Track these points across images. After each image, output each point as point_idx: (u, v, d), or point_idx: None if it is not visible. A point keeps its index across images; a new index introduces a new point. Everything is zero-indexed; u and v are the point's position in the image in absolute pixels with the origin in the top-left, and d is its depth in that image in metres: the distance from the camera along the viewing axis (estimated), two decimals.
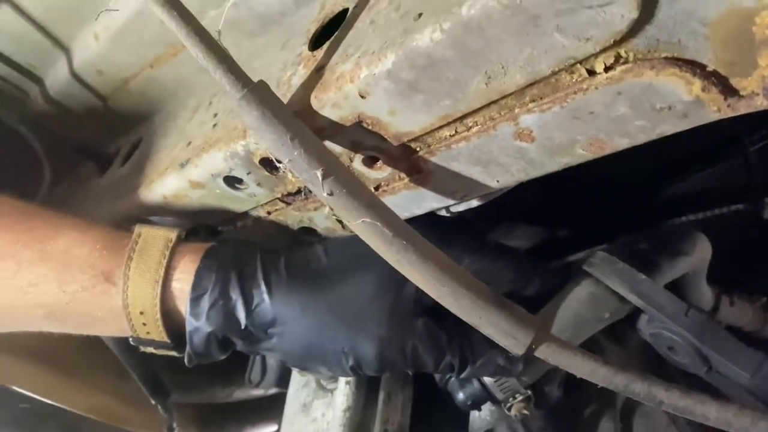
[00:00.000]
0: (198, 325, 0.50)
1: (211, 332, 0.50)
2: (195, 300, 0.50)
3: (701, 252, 0.63)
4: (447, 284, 0.42)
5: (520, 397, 0.53)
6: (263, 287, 0.50)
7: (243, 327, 0.50)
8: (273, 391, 1.10)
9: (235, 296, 0.50)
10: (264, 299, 0.50)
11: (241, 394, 1.06)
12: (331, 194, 0.41)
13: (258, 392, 1.08)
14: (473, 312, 0.42)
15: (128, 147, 0.76)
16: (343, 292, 0.51)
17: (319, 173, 0.40)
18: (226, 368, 0.99)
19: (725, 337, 0.49)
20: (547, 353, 0.42)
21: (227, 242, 0.55)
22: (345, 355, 0.50)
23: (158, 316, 0.51)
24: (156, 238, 0.53)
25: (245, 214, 0.58)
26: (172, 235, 0.53)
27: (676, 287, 0.61)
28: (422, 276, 0.42)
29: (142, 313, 0.51)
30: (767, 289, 0.94)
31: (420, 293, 0.50)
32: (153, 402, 0.85)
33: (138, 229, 0.54)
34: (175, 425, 0.89)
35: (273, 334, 0.51)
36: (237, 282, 0.50)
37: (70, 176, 0.89)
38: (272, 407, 1.14)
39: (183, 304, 0.51)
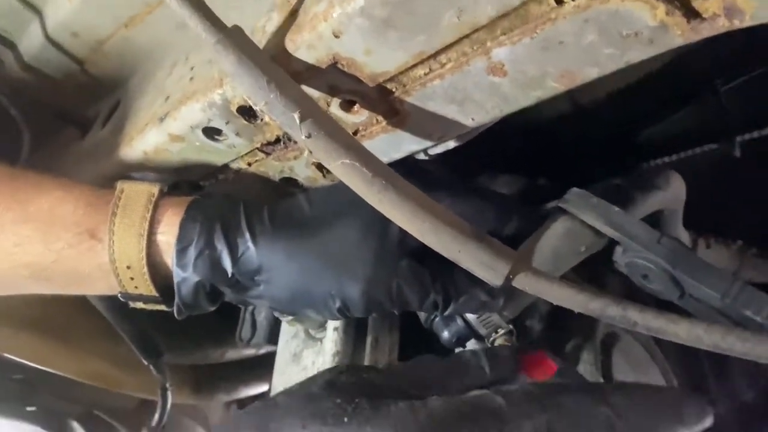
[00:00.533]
0: (185, 275, 0.51)
1: (198, 282, 0.51)
2: (181, 251, 0.51)
3: (675, 189, 0.64)
4: (427, 221, 0.43)
5: (503, 332, 0.55)
6: (247, 236, 0.51)
7: (230, 276, 0.51)
8: (264, 351, 1.12)
9: (221, 246, 0.51)
10: (249, 247, 0.51)
11: (233, 354, 1.07)
12: (309, 137, 0.41)
13: (250, 352, 1.10)
14: (452, 246, 0.43)
15: (107, 110, 0.76)
16: (327, 237, 0.52)
17: (296, 116, 0.41)
18: (217, 328, 1.01)
19: (696, 261, 0.51)
20: (524, 283, 0.44)
21: (210, 195, 0.55)
22: (332, 297, 0.51)
23: (145, 269, 0.52)
24: (139, 192, 0.53)
25: (226, 167, 0.59)
26: (155, 189, 0.53)
27: None
28: (402, 214, 0.43)
29: (129, 267, 0.52)
30: (742, 233, 0.96)
31: (403, 236, 0.52)
32: (145, 363, 0.86)
33: (120, 185, 0.54)
34: (168, 385, 0.90)
35: (260, 282, 0.52)
36: (221, 232, 0.51)
37: (50, 142, 0.88)
38: (264, 367, 1.16)
39: (169, 257, 0.51)
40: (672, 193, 0.64)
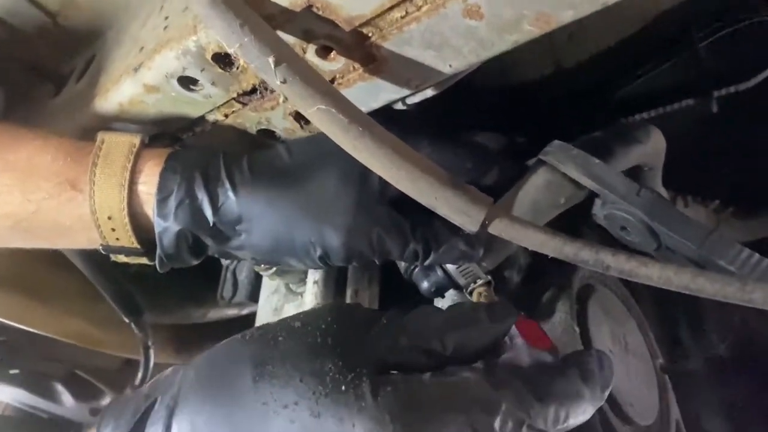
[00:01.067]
0: (166, 225, 0.51)
1: (180, 231, 0.51)
2: (162, 201, 0.50)
3: (655, 143, 0.65)
4: (403, 168, 0.43)
5: (481, 282, 0.56)
6: (227, 185, 0.50)
7: (211, 225, 0.51)
8: (247, 311, 1.12)
9: (201, 195, 0.50)
10: (229, 197, 0.50)
11: (215, 314, 1.08)
12: (284, 82, 0.41)
13: (233, 312, 1.10)
14: (429, 193, 0.44)
15: (82, 64, 0.74)
16: (307, 186, 0.51)
17: (270, 60, 0.40)
18: (199, 288, 1.01)
19: (674, 212, 0.52)
20: (499, 228, 0.44)
21: (190, 147, 0.55)
22: (313, 245, 0.51)
23: (126, 220, 0.51)
24: (119, 143, 0.52)
25: (202, 119, 0.58)
26: (136, 140, 0.53)
27: None
28: (379, 161, 0.43)
29: (110, 218, 0.51)
30: (719, 193, 0.97)
31: (383, 185, 0.52)
32: (127, 321, 0.86)
33: (101, 135, 0.53)
34: (150, 344, 0.90)
35: (241, 231, 0.52)
36: (202, 181, 0.50)
37: (25, 100, 0.87)
38: (247, 327, 1.16)
39: (150, 207, 0.51)
40: (652, 147, 0.64)
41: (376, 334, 0.45)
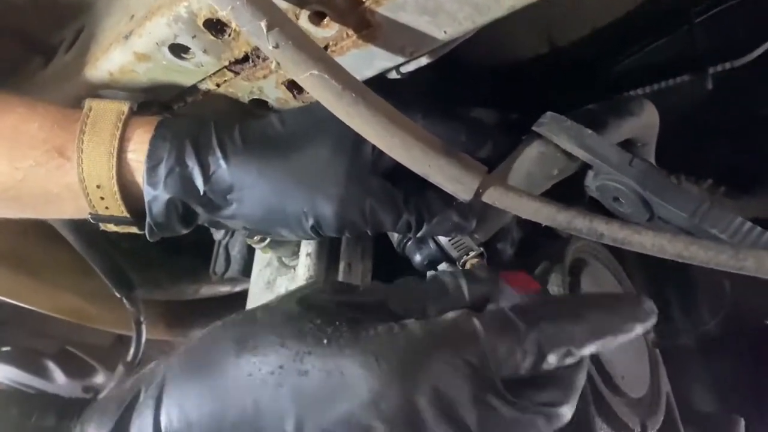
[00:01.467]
0: (156, 193, 0.50)
1: (170, 199, 0.50)
2: (151, 169, 0.50)
3: (648, 116, 0.65)
4: (397, 135, 0.43)
5: (474, 254, 0.56)
6: (219, 154, 0.50)
7: (202, 193, 0.50)
8: (240, 288, 1.12)
9: (192, 163, 0.50)
10: (221, 165, 0.50)
11: (207, 290, 1.07)
12: (276, 47, 0.40)
13: (225, 289, 1.10)
14: (423, 161, 0.43)
15: (72, 35, 0.73)
16: (300, 155, 0.51)
17: (263, 24, 0.40)
18: (191, 264, 1.01)
19: (666, 182, 0.52)
20: (493, 197, 0.44)
21: (181, 115, 0.54)
22: (305, 215, 0.51)
23: (115, 188, 0.51)
24: (108, 110, 0.52)
25: (194, 88, 0.57)
26: (124, 107, 0.52)
27: None
28: (372, 128, 0.43)
29: (98, 186, 0.51)
30: (712, 172, 0.98)
31: (377, 155, 0.51)
32: (118, 295, 0.86)
33: (89, 102, 0.52)
34: (142, 319, 0.90)
35: (232, 200, 0.51)
36: (192, 149, 0.50)
37: (14, 71, 0.86)
38: (239, 303, 1.16)
39: (140, 175, 0.51)
40: (645, 121, 0.64)
41: (355, 301, 0.44)
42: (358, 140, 0.46)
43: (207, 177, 0.50)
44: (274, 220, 0.52)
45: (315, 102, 0.43)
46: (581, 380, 0.43)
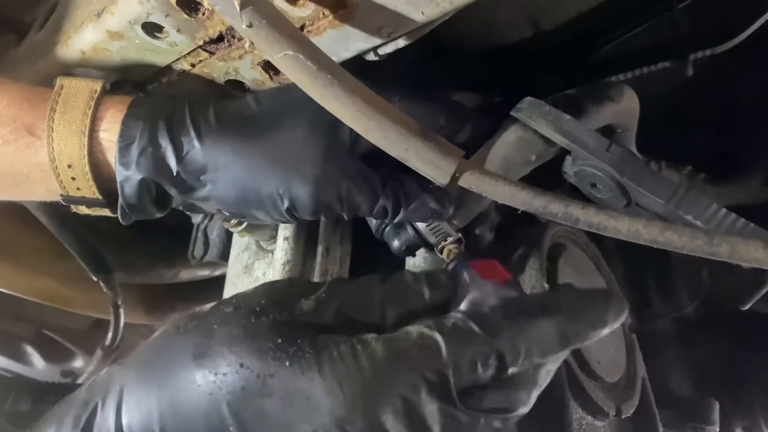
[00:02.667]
0: (128, 174, 0.49)
1: (142, 180, 0.49)
2: (123, 149, 0.48)
3: (628, 102, 0.65)
4: (373, 117, 0.42)
5: (452, 239, 0.55)
6: (192, 134, 0.49)
7: (175, 174, 0.49)
8: (219, 272, 1.11)
9: (165, 143, 0.49)
10: (194, 145, 0.49)
11: (187, 274, 1.07)
12: (250, 26, 0.40)
13: (204, 273, 1.09)
14: (399, 144, 0.43)
15: (45, 12, 0.72)
16: (275, 136, 0.50)
17: (236, 2, 0.39)
18: (170, 248, 1.00)
19: (643, 168, 0.52)
20: (470, 181, 0.43)
21: (154, 95, 0.53)
22: (280, 197, 0.50)
23: (87, 168, 0.49)
24: (80, 89, 0.50)
25: (169, 68, 0.56)
26: (97, 86, 0.50)
27: None
28: (348, 110, 0.42)
29: (70, 166, 0.49)
30: (692, 159, 0.98)
31: (354, 138, 0.51)
32: (95, 279, 0.85)
33: (60, 80, 0.51)
34: (120, 303, 0.89)
35: (206, 182, 0.50)
36: (165, 129, 0.49)
37: None
38: (218, 287, 1.16)
39: (112, 156, 0.49)
40: (624, 106, 0.64)
41: (314, 308, 0.44)
42: (335, 122, 0.45)
43: (180, 157, 0.49)
44: (249, 202, 0.51)
45: (292, 83, 0.42)
46: (546, 378, 0.43)
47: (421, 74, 0.79)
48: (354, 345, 0.40)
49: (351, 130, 0.47)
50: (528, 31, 0.85)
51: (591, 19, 0.79)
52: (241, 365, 0.39)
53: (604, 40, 0.84)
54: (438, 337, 0.40)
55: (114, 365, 0.45)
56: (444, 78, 0.86)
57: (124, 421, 0.40)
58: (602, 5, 0.77)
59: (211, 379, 0.39)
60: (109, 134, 0.49)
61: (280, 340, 0.40)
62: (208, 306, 0.46)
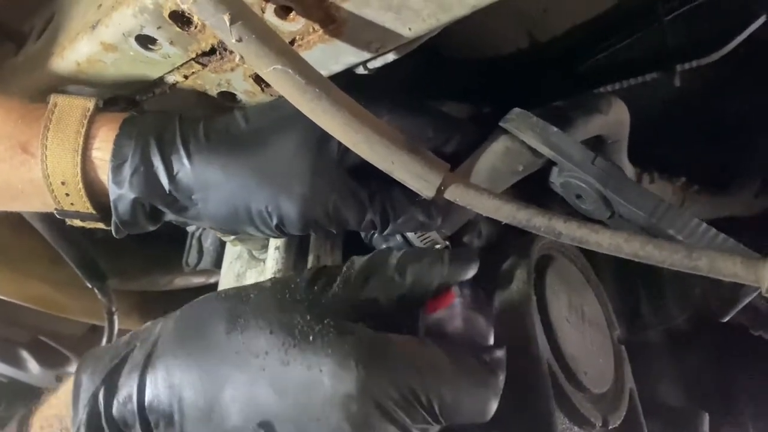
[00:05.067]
0: (121, 192, 0.50)
1: (135, 199, 0.50)
2: (116, 168, 0.50)
3: (617, 113, 0.65)
4: (360, 131, 0.43)
5: (439, 248, 0.56)
6: (182, 153, 0.50)
7: (167, 192, 0.50)
8: (214, 280, 1.12)
9: (157, 162, 0.50)
10: (184, 164, 0.50)
11: (181, 282, 1.07)
12: (239, 40, 0.40)
13: (199, 280, 1.10)
14: (386, 157, 0.44)
15: (42, 23, 0.72)
16: (264, 153, 0.51)
17: (226, 17, 0.40)
18: (165, 255, 1.00)
19: (627, 182, 0.52)
20: (455, 194, 0.44)
21: (146, 112, 0.54)
22: (269, 214, 0.51)
23: (80, 185, 0.51)
24: (73, 107, 0.51)
25: (162, 81, 0.57)
26: (90, 103, 0.52)
27: None
28: (336, 123, 0.43)
29: (63, 183, 0.51)
30: (684, 170, 0.99)
31: (342, 153, 0.52)
32: (90, 286, 0.85)
33: (53, 98, 0.52)
34: (114, 309, 0.90)
35: (197, 200, 0.51)
36: (157, 148, 0.50)
37: None
38: None
39: (105, 174, 0.50)
40: (613, 118, 0.65)
41: (342, 287, 0.47)
42: (323, 137, 0.46)
43: (172, 176, 0.50)
44: (239, 220, 0.52)
45: (280, 98, 0.43)
46: None
47: (415, 84, 0.80)
48: (374, 334, 0.44)
49: (339, 145, 0.48)
50: (522, 41, 0.86)
51: (584, 31, 0.80)
52: (270, 332, 0.43)
53: (594, 51, 0.85)
54: (445, 360, 0.44)
55: (162, 317, 0.50)
56: (438, 87, 0.87)
57: (150, 368, 0.44)
58: (594, 17, 0.78)
59: (239, 339, 0.43)
60: (102, 153, 0.50)
61: (309, 317, 0.43)
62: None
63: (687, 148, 0.99)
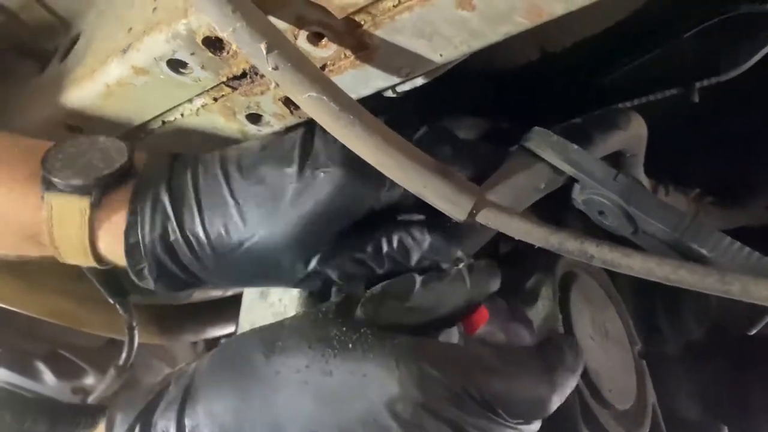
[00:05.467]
0: (151, 287, 0.53)
1: (154, 281, 0.53)
2: (132, 264, 0.51)
3: (636, 129, 0.66)
4: (393, 156, 0.43)
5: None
6: (194, 262, 0.50)
7: (183, 279, 0.52)
8: (231, 293, 1.12)
9: (173, 269, 0.51)
10: (198, 268, 0.51)
11: (199, 295, 1.08)
12: (276, 68, 0.41)
13: (217, 293, 1.10)
14: (417, 181, 0.44)
15: (67, 43, 0.73)
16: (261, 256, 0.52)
17: (263, 46, 0.40)
18: None
19: (649, 197, 0.53)
20: (487, 218, 0.45)
21: (141, 202, 0.51)
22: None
23: (97, 267, 0.54)
24: (68, 211, 0.50)
25: (191, 102, 0.58)
26: (84, 204, 0.50)
27: None
28: (369, 148, 0.43)
29: (79, 264, 0.54)
30: (699, 182, 0.99)
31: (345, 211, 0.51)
32: (111, 302, 0.86)
33: (47, 198, 0.50)
34: (135, 324, 0.90)
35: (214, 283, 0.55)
36: (169, 260, 0.50)
37: (7, 78, 0.85)
38: (231, 308, 1.17)
39: (121, 261, 0.52)
40: (632, 133, 0.65)
41: (367, 313, 0.48)
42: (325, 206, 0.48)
43: (187, 271, 0.51)
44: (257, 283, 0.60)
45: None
46: None
47: (426, 97, 0.80)
48: (411, 338, 0.44)
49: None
50: (535, 54, 0.87)
51: (597, 45, 0.81)
52: (309, 347, 0.43)
53: (611, 66, 0.86)
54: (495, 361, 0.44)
55: (193, 360, 0.50)
56: (450, 101, 0.87)
57: (189, 403, 0.44)
58: (609, 31, 0.79)
59: (279, 359, 0.44)
60: (113, 255, 0.52)
61: (344, 329, 0.44)
62: None
63: (701, 161, 1.00)
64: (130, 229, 0.50)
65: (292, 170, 0.49)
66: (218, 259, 0.50)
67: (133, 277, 0.52)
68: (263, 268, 0.51)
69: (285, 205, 0.49)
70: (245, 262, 0.50)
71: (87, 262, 0.53)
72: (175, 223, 0.50)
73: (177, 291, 0.54)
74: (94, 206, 0.50)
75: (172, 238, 0.50)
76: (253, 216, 0.49)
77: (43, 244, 0.52)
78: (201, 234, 0.50)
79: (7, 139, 0.55)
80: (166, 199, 0.50)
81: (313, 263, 0.50)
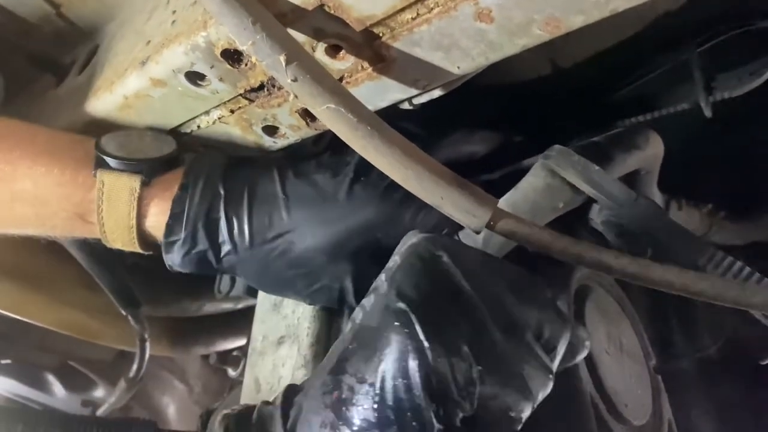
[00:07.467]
0: (175, 263, 0.55)
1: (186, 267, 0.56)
2: (168, 245, 0.54)
3: (654, 147, 0.66)
4: (411, 167, 0.43)
5: None
6: (228, 245, 0.54)
7: (215, 267, 0.56)
8: (242, 305, 1.12)
9: (204, 246, 0.53)
10: (229, 251, 0.54)
11: (210, 308, 1.08)
12: (295, 80, 0.41)
13: (228, 306, 1.11)
14: (435, 192, 0.44)
15: (85, 55, 0.74)
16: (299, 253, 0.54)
17: (282, 58, 0.41)
18: (195, 282, 1.01)
19: (669, 222, 0.53)
20: (506, 229, 0.44)
21: (194, 179, 0.54)
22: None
23: (137, 246, 0.56)
24: (119, 187, 0.54)
25: (208, 114, 0.58)
26: (135, 182, 0.53)
27: None
28: (387, 160, 0.43)
29: (121, 243, 0.56)
30: (712, 196, 0.99)
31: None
32: (124, 313, 0.86)
33: (100, 175, 0.53)
34: (147, 336, 0.91)
35: (241, 276, 0.57)
36: (205, 235, 0.53)
37: (26, 90, 0.86)
38: (241, 321, 1.17)
39: (159, 238, 0.55)
40: (650, 153, 0.65)
41: None
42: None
43: (219, 258, 0.54)
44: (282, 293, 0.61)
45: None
46: None
47: (437, 111, 0.81)
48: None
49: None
50: (546, 68, 0.87)
51: (610, 59, 0.81)
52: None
53: (623, 81, 0.86)
54: None
55: None
56: (463, 114, 0.88)
57: None
58: (621, 46, 0.79)
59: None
60: (155, 230, 0.55)
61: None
62: None
63: (714, 176, 0.99)
64: (178, 199, 0.53)
65: (346, 181, 0.54)
66: (252, 245, 0.53)
67: (163, 250, 0.54)
68: (292, 265, 0.54)
69: (332, 208, 0.53)
70: (276, 251, 0.53)
71: (130, 241, 0.55)
72: (223, 202, 0.53)
73: (194, 272, 0.55)
74: (145, 184, 0.54)
75: (216, 215, 0.53)
76: (298, 211, 0.53)
77: (90, 223, 0.54)
78: (245, 218, 0.53)
79: (47, 132, 0.58)
80: (219, 181, 0.54)
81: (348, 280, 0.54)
